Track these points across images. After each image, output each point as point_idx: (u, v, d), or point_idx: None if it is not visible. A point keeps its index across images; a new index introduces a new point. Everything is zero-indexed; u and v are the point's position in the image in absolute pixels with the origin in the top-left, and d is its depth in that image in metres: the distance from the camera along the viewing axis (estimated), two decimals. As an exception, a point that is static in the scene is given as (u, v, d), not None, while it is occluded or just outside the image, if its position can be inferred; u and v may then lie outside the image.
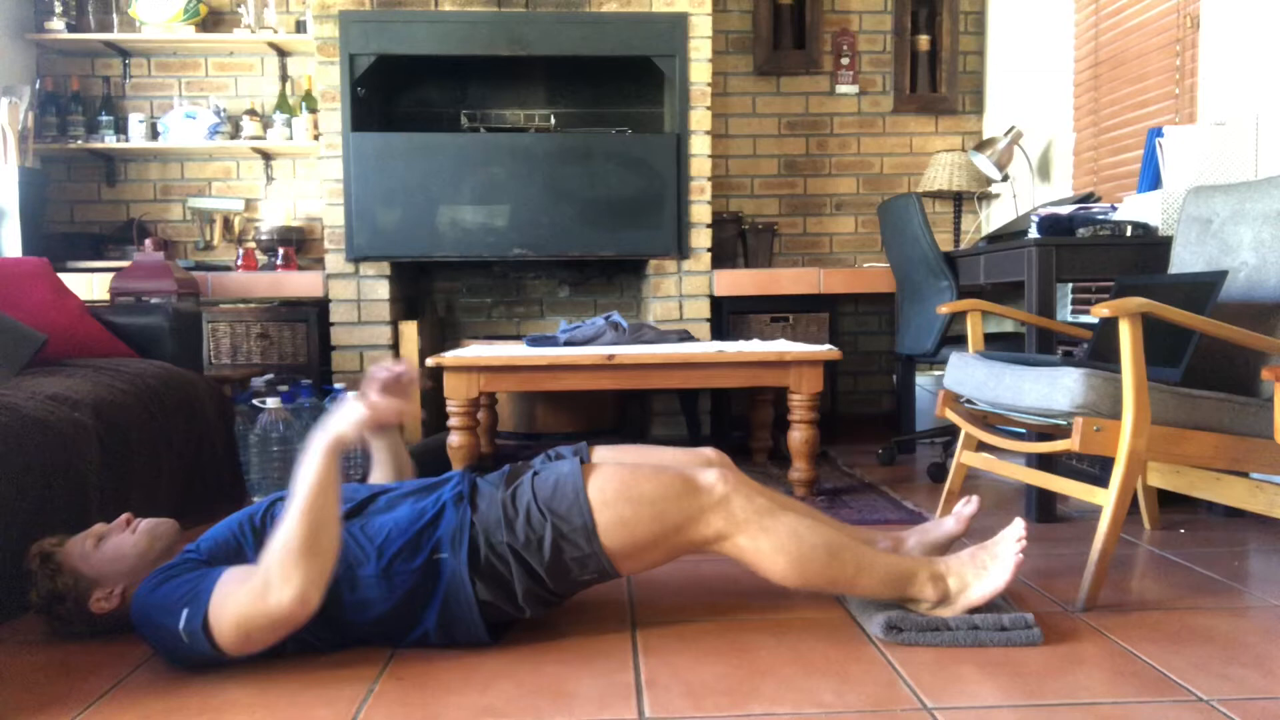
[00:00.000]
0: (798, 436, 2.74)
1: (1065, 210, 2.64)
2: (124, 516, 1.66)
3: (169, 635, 1.44)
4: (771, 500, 1.65)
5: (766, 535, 1.57)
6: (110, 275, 3.31)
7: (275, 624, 1.40)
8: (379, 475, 1.88)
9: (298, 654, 1.55)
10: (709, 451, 1.84)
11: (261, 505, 1.65)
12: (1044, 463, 2.40)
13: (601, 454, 1.76)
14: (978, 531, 2.38)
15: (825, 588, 1.63)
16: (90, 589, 1.57)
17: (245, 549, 1.57)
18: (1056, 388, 1.84)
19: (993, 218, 4.14)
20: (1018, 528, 1.64)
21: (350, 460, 3.11)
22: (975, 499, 1.90)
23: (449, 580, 1.53)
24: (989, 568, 1.62)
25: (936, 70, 4.22)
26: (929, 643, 1.60)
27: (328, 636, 1.55)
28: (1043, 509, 2.49)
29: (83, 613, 1.59)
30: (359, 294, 3.64)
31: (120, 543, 1.60)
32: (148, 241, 3.21)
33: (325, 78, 3.57)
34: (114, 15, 3.96)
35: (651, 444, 1.86)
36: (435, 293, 4.16)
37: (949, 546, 1.89)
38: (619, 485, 1.57)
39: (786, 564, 1.57)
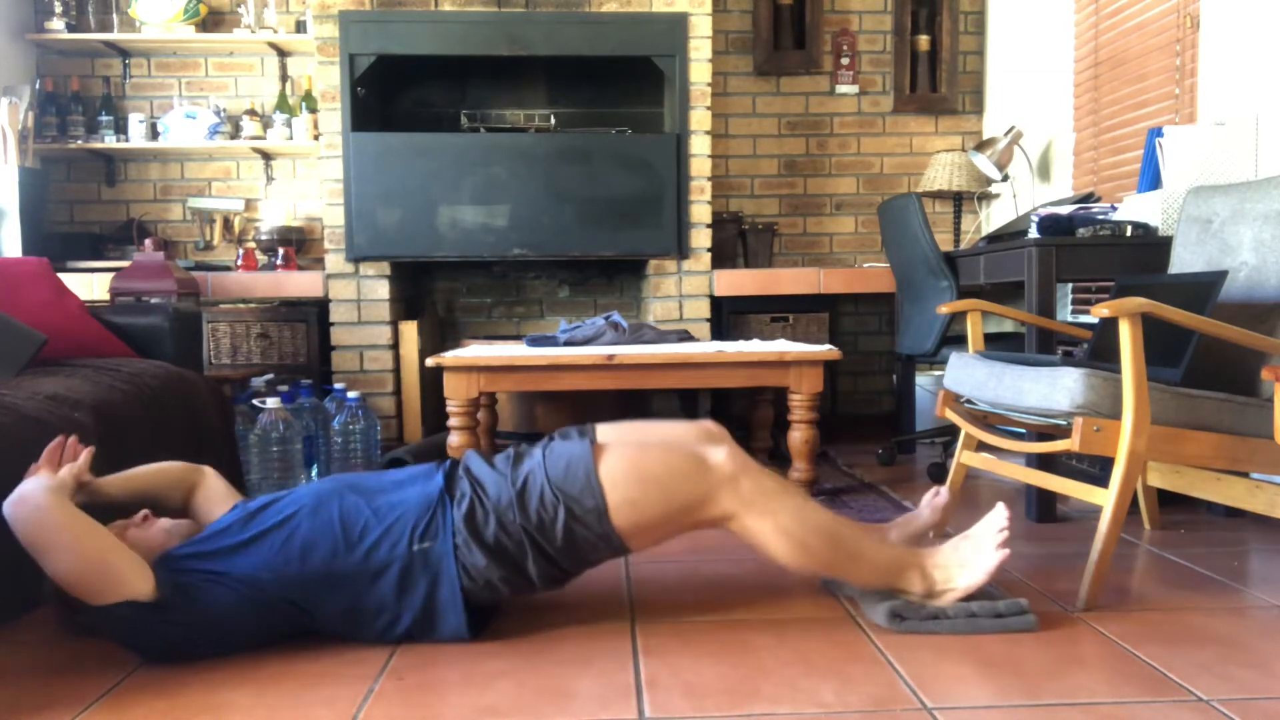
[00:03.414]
0: (798, 436, 2.74)
1: (1065, 210, 2.64)
2: (142, 513, 1.67)
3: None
4: (776, 481, 1.65)
5: (772, 516, 1.59)
6: (110, 275, 3.31)
7: None
8: (166, 505, 1.83)
9: (286, 641, 1.57)
10: (709, 424, 1.83)
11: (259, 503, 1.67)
12: (1044, 463, 2.40)
13: (606, 432, 1.75)
14: (978, 531, 2.39)
15: (822, 571, 1.68)
16: None
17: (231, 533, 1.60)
18: (1056, 388, 1.84)
19: (993, 218, 4.14)
20: (999, 517, 1.68)
21: (350, 461, 3.11)
22: (944, 490, 1.97)
23: (435, 568, 1.55)
24: (972, 559, 1.66)
25: (936, 70, 4.22)
26: (931, 630, 1.63)
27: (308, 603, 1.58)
28: (1043, 509, 2.49)
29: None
30: (359, 294, 3.64)
31: (139, 536, 1.61)
32: (148, 241, 3.21)
33: (325, 78, 3.57)
34: (114, 15, 3.96)
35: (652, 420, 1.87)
36: (435, 293, 4.16)
37: (925, 536, 1.95)
38: (628, 466, 1.58)
39: (789, 545, 1.60)
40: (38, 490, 1.48)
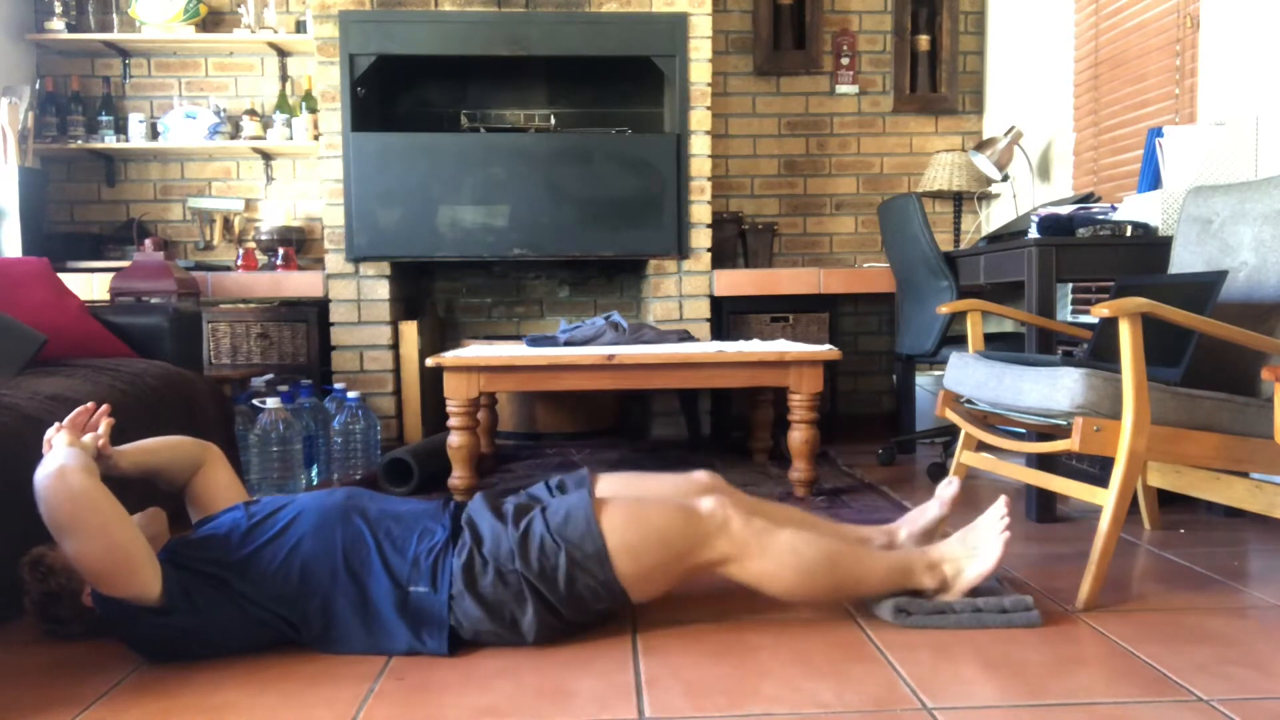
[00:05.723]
0: (798, 436, 2.74)
1: (1065, 210, 2.64)
2: None
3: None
4: (768, 519, 1.67)
5: (767, 556, 1.61)
6: (110, 275, 3.31)
7: None
8: (171, 483, 1.83)
9: (285, 643, 1.57)
10: (702, 476, 1.84)
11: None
12: (1044, 463, 2.40)
13: (604, 483, 1.79)
14: (978, 531, 2.38)
15: (829, 597, 1.71)
16: (83, 584, 1.57)
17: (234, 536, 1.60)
18: (1056, 388, 1.84)
19: (993, 218, 4.14)
20: (1000, 506, 1.71)
21: (350, 461, 3.11)
22: (956, 480, 1.97)
23: (428, 612, 1.56)
24: (978, 550, 1.69)
25: (936, 70, 4.22)
26: (936, 625, 1.66)
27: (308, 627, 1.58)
28: (1043, 509, 2.49)
29: (78, 610, 1.59)
30: (359, 294, 3.64)
31: None
32: (148, 241, 3.21)
33: (325, 78, 3.57)
34: (114, 15, 3.96)
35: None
36: (435, 293, 4.16)
37: (937, 530, 1.94)
38: (626, 514, 1.61)
39: (790, 581, 1.63)
40: (75, 469, 1.46)
